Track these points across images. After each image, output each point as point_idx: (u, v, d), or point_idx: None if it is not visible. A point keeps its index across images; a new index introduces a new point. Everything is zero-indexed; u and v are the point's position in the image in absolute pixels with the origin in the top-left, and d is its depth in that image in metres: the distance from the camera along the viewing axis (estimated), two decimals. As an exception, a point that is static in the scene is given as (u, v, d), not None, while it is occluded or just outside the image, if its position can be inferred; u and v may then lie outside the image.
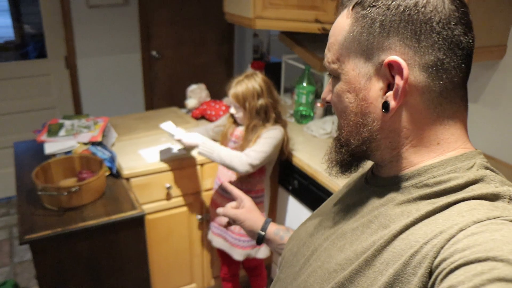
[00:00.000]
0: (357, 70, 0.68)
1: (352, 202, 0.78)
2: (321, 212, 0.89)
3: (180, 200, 2.34)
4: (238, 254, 2.23)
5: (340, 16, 0.71)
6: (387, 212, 0.68)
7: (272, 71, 3.22)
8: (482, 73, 1.96)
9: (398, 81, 0.63)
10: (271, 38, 4.34)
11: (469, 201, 0.61)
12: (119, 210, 1.88)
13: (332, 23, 2.26)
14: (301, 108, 2.73)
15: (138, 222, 1.90)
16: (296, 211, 2.41)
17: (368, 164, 0.80)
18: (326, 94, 0.76)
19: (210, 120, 2.71)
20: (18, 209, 1.90)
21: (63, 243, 1.78)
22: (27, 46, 4.08)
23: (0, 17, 4.36)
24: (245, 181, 2.17)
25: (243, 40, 4.31)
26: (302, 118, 2.74)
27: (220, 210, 1.18)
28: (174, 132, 2.07)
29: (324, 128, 2.56)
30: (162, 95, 4.18)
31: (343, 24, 0.69)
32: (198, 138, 2.03)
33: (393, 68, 0.64)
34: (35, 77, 3.64)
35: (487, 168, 0.67)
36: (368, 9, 0.65)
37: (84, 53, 3.68)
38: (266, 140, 2.06)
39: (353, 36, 0.67)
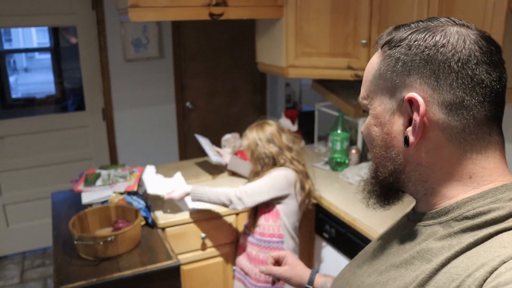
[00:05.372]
0: (383, 106, 0.72)
1: (394, 239, 0.78)
2: (365, 251, 0.89)
3: (215, 250, 2.30)
4: None
5: (374, 55, 0.75)
6: (429, 247, 0.67)
7: (306, 120, 3.23)
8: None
9: (415, 116, 0.66)
10: (302, 87, 4.38)
11: (511, 232, 0.61)
12: (154, 260, 1.86)
13: (364, 69, 2.28)
14: (336, 155, 2.70)
15: (174, 272, 1.86)
16: (333, 260, 2.33)
17: (412, 202, 0.80)
18: (363, 128, 0.81)
19: (244, 168, 2.70)
20: (54, 259, 1.89)
21: (98, 294, 1.75)
22: (67, 100, 4.24)
23: (43, 74, 4.58)
24: (257, 224, 2.14)
25: (275, 90, 4.36)
26: (337, 165, 2.70)
27: (263, 268, 1.15)
28: (163, 192, 2.17)
29: (360, 175, 2.51)
30: (196, 145, 4.20)
31: (373, 63, 0.74)
32: (188, 188, 2.12)
33: (412, 105, 0.67)
34: (74, 129, 3.75)
35: None
36: (393, 49, 0.69)
37: (120, 105, 3.78)
38: (264, 178, 2.08)
39: (380, 74, 0.71)
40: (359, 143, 2.76)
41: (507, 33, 1.60)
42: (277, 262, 1.18)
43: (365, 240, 2.02)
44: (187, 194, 2.12)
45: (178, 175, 2.36)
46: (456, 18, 0.70)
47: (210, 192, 2.08)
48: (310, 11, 2.39)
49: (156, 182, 2.27)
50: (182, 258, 2.17)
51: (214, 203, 2.10)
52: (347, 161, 2.70)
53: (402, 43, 0.68)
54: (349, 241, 2.16)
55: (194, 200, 2.10)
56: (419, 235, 0.71)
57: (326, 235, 2.35)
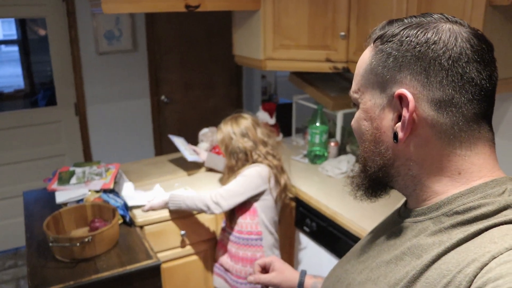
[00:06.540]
0: (373, 101, 0.71)
1: (385, 235, 0.78)
2: (356, 248, 0.88)
3: (195, 247, 2.27)
4: None
5: (366, 50, 0.75)
6: (420, 242, 0.67)
7: (282, 112, 3.21)
8: (499, 105, 1.93)
9: (405, 113, 0.66)
10: (278, 80, 4.36)
11: (501, 227, 0.61)
12: (134, 260, 1.81)
13: (343, 61, 2.27)
14: (314, 148, 2.68)
15: (154, 271, 1.82)
16: (314, 254, 2.32)
17: (401, 198, 0.80)
18: (353, 122, 0.80)
19: (222, 163, 2.66)
20: (28, 261, 1.82)
21: (75, 297, 1.70)
22: (37, 94, 4.11)
23: (11, 67, 4.42)
24: (235, 222, 2.12)
25: (251, 82, 4.32)
26: (316, 158, 2.68)
27: (251, 278, 1.12)
28: (143, 202, 2.18)
29: (339, 168, 2.51)
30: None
31: (365, 57, 0.73)
32: (166, 196, 2.12)
33: (402, 101, 0.67)
34: (45, 124, 3.63)
35: None
36: (385, 44, 0.69)
37: (93, 99, 3.68)
38: (238, 179, 2.06)
39: (371, 68, 0.71)
40: (338, 136, 2.76)
41: (487, 27, 1.60)
42: (264, 269, 1.15)
43: (346, 234, 2.02)
44: (166, 203, 2.11)
45: (157, 187, 2.33)
46: (437, 12, 0.70)
47: (187, 199, 2.07)
48: (288, 3, 2.36)
49: (135, 196, 2.24)
50: (162, 256, 2.13)
51: (192, 209, 2.10)
52: (326, 154, 2.69)
53: (394, 39, 0.68)
54: (330, 234, 2.15)
55: (172, 208, 2.10)
56: (410, 231, 0.71)
57: (307, 229, 2.34)
